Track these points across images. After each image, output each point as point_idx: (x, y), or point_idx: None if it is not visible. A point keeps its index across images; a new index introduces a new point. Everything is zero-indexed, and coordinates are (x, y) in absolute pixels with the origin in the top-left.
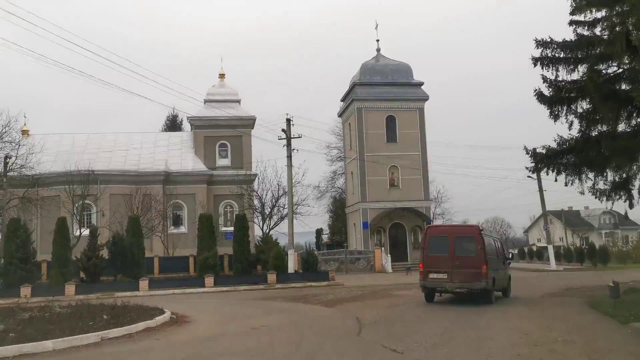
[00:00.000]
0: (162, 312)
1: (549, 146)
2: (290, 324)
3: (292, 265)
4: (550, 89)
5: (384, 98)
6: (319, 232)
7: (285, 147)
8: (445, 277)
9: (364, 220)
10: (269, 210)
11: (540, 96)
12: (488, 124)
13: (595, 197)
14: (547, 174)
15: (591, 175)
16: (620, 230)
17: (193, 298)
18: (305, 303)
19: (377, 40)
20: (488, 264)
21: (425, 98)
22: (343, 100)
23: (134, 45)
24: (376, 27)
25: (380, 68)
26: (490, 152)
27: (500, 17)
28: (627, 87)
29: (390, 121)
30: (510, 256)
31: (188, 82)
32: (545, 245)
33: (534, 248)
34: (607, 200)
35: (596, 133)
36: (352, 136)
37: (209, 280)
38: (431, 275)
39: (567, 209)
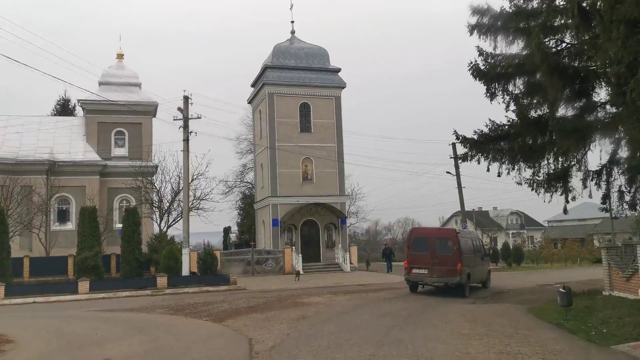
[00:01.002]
0: None
1: (481, 131)
2: (149, 355)
3: (186, 266)
4: (487, 63)
5: (298, 83)
6: (227, 230)
7: (182, 129)
8: (426, 272)
9: (273, 217)
10: (168, 205)
11: (476, 71)
12: (420, 118)
13: (532, 189)
14: (479, 162)
15: (528, 164)
16: (526, 231)
17: (54, 308)
18: (190, 316)
19: (292, 22)
20: (463, 262)
21: (342, 85)
22: (253, 85)
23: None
24: (291, 8)
25: (295, 51)
26: (412, 147)
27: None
28: (574, 63)
29: (305, 109)
30: (488, 253)
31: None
32: None
33: None
34: (546, 192)
35: (535, 116)
36: (262, 124)
37: (84, 285)
38: (414, 271)
39: (477, 209)
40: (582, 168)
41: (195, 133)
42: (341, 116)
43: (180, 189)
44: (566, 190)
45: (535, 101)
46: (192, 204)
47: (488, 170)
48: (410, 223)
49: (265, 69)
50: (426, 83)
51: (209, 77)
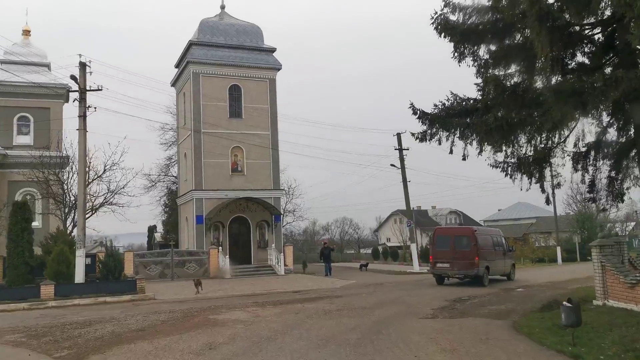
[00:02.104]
0: None
1: (443, 104)
2: None
3: (81, 271)
4: (456, 15)
5: (228, 63)
6: (151, 229)
7: (78, 102)
8: (448, 266)
9: (198, 213)
10: (73, 199)
11: (441, 25)
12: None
13: (506, 175)
14: (440, 142)
15: (505, 141)
16: None
17: None
18: (40, 350)
19: None
20: (480, 256)
21: (277, 67)
22: (177, 66)
23: None
24: None
25: (225, 28)
26: (357, 137)
27: None
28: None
29: (235, 91)
30: (512, 249)
31: None
32: (399, 245)
33: (386, 248)
34: (526, 176)
35: (512, 84)
36: (186, 108)
37: None
38: (438, 265)
39: (416, 207)
40: (577, 145)
41: (95, 108)
42: (276, 101)
43: (91, 181)
44: (541, 177)
45: (514, 66)
46: (105, 198)
47: (451, 152)
48: (348, 223)
49: (190, 45)
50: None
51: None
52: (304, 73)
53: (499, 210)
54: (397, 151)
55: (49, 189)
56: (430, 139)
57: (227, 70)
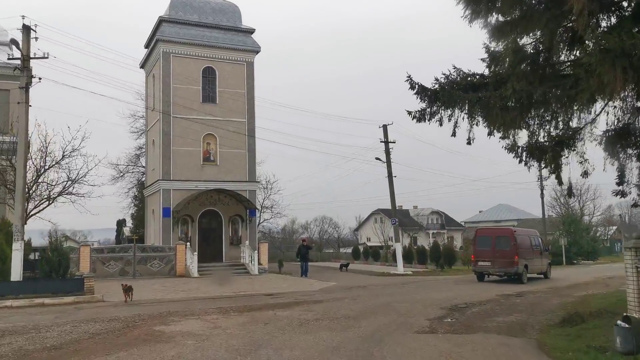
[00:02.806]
0: None
1: (447, 77)
2: None
3: (18, 267)
4: None
5: (202, 43)
6: (120, 223)
7: (20, 72)
8: (489, 264)
9: (165, 205)
10: (28, 188)
11: None
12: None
13: (520, 161)
14: (441, 123)
15: (527, 119)
16: (447, 231)
17: None
18: None
19: None
20: (519, 255)
21: (256, 49)
22: (147, 46)
23: None
24: None
25: (199, 5)
26: (342, 126)
27: None
28: None
29: (209, 74)
30: (547, 249)
31: None
32: (379, 244)
33: (367, 247)
34: (545, 162)
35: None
36: (155, 91)
37: None
38: (479, 263)
39: (397, 207)
40: (612, 122)
41: (40, 78)
42: (254, 85)
43: (48, 167)
44: (559, 165)
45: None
46: (64, 186)
47: (454, 134)
48: (327, 222)
49: (160, 22)
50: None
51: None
52: (296, 74)
53: (480, 211)
54: (383, 144)
55: (2, 177)
56: (430, 119)
57: (201, 51)
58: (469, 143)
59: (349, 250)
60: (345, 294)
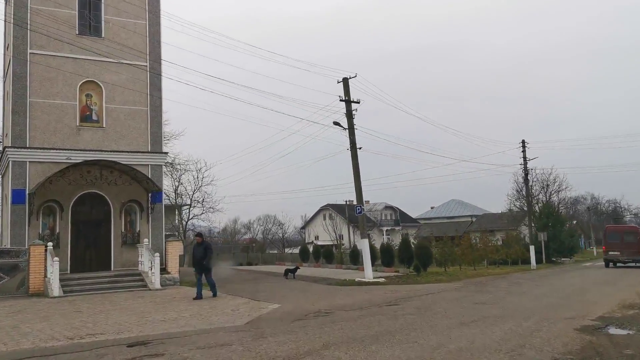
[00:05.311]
0: None
1: None
2: None
3: None
4: None
5: None
6: None
7: None
8: (619, 253)
9: (16, 186)
10: None
11: None
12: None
13: None
14: None
15: None
16: (402, 227)
17: None
18: None
19: None
20: None
21: None
22: None
23: None
24: None
25: None
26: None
27: None
28: None
29: None
30: None
31: None
32: (330, 243)
33: (317, 247)
34: None
35: None
36: (7, 15)
37: None
38: (610, 253)
39: (348, 202)
40: None
41: None
42: (160, 15)
43: None
44: None
45: None
46: None
47: None
48: (272, 220)
49: None
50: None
51: None
52: None
53: (431, 207)
54: (344, 103)
55: None
56: None
57: None
58: None
59: (296, 250)
60: (300, 337)
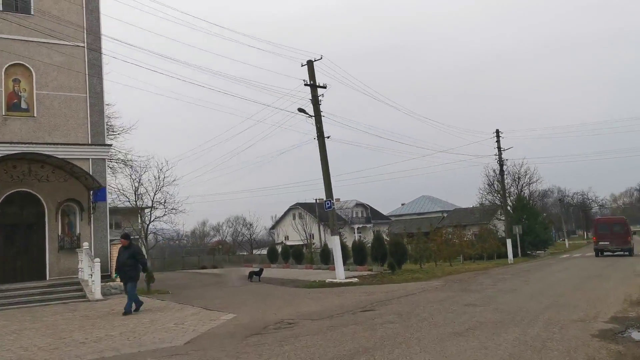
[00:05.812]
0: None
1: None
2: None
3: None
4: None
5: None
6: None
7: None
8: (608, 243)
9: None
10: None
11: None
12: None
13: None
14: None
15: None
16: (373, 225)
17: None
18: None
19: None
20: (630, 236)
21: None
22: None
23: None
24: None
25: None
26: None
27: None
28: None
29: None
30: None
31: None
32: (300, 242)
33: (286, 247)
34: None
35: None
36: None
37: None
38: (600, 243)
39: (318, 200)
40: None
41: None
42: None
43: None
44: None
45: None
46: None
47: None
48: (241, 222)
49: None
50: None
51: None
52: None
53: (402, 204)
54: (310, 88)
55: None
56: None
57: None
58: None
59: (265, 251)
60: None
